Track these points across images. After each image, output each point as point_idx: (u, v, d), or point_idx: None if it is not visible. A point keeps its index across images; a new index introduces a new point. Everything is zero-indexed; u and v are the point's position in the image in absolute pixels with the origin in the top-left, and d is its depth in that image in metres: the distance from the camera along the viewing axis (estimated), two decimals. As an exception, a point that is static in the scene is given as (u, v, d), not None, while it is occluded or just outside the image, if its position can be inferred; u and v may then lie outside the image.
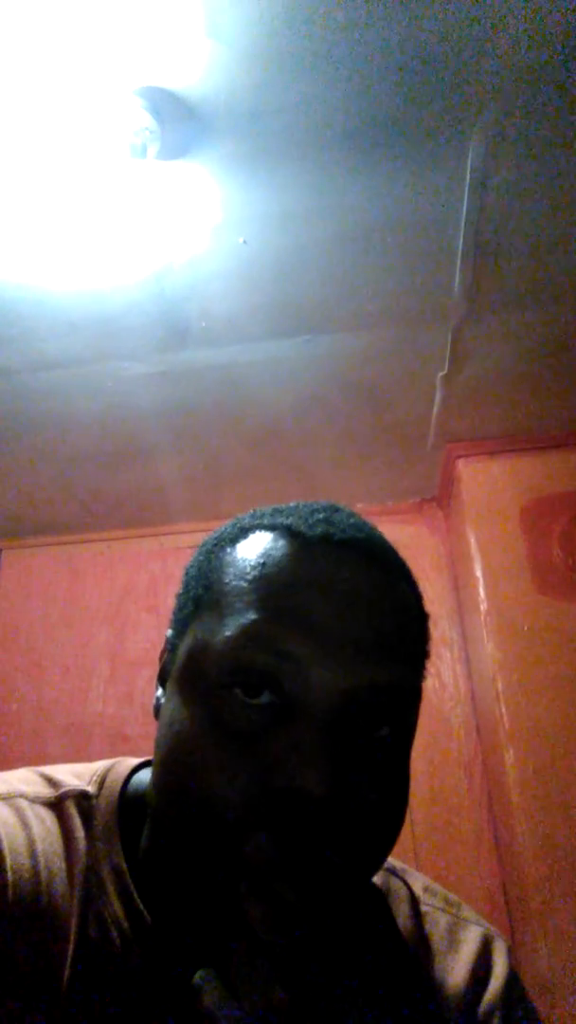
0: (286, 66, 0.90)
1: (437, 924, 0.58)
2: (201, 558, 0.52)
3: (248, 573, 0.47)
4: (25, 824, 0.49)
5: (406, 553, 0.54)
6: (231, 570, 0.48)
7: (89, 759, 0.59)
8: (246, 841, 0.40)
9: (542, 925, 1.32)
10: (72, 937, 0.46)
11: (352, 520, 0.51)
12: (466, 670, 1.79)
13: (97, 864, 0.50)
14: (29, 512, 1.98)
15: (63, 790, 0.53)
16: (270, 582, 0.46)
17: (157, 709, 0.51)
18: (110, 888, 0.49)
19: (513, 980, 0.56)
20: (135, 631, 1.96)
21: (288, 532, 0.48)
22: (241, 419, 1.62)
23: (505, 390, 1.56)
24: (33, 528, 2.06)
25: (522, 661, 1.52)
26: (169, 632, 0.53)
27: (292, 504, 0.53)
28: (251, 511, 0.54)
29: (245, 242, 1.16)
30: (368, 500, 1.97)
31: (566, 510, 1.64)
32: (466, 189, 1.08)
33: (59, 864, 0.48)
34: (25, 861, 0.47)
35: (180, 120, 0.96)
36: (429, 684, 1.77)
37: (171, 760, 0.45)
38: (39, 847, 0.48)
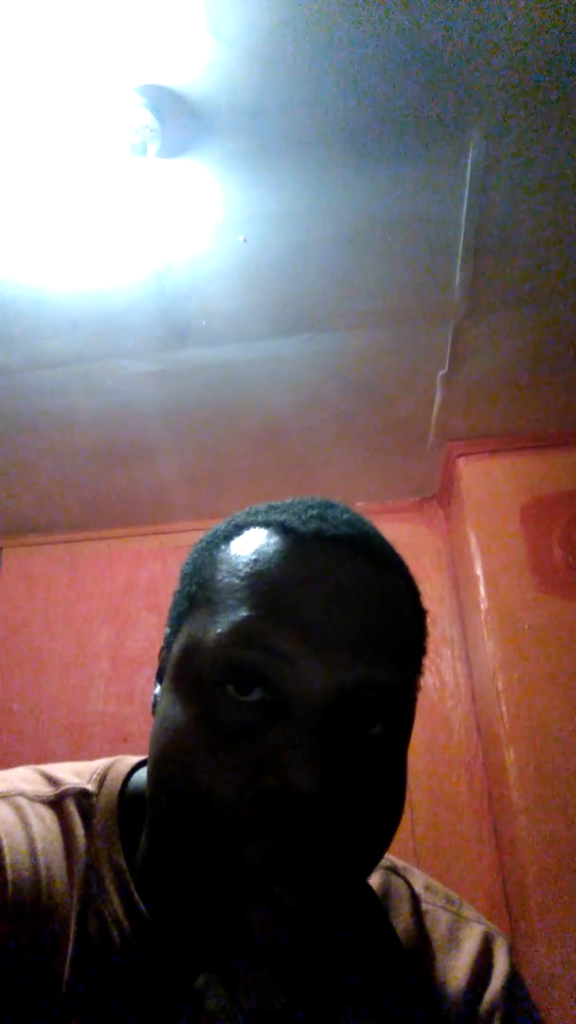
0: (287, 64, 0.90)
1: (438, 922, 0.58)
2: (196, 555, 0.52)
3: (241, 570, 0.47)
4: (25, 822, 0.49)
5: (406, 552, 0.53)
6: (224, 567, 0.48)
7: (89, 758, 0.59)
8: (244, 843, 0.40)
9: (542, 924, 1.32)
10: (72, 935, 0.46)
11: (346, 516, 0.51)
12: (466, 669, 1.79)
13: (97, 862, 0.49)
14: (30, 511, 1.98)
15: (63, 788, 0.53)
16: (262, 579, 0.45)
17: (155, 707, 0.51)
18: (110, 886, 0.49)
19: (514, 979, 0.56)
20: (136, 630, 1.96)
21: (281, 528, 0.48)
22: (241, 418, 1.62)
23: (505, 389, 1.56)
24: (34, 527, 2.06)
25: (522, 660, 1.52)
26: (167, 630, 0.53)
27: (288, 501, 0.53)
28: (247, 508, 0.53)
29: (245, 241, 1.16)
30: (368, 498, 1.97)
31: (566, 509, 1.64)
32: (466, 188, 1.08)
33: (59, 862, 0.48)
34: (25, 859, 0.47)
35: (180, 118, 0.96)
36: (429, 683, 1.77)
37: (164, 757, 0.45)
38: (39, 845, 0.48)
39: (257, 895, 0.39)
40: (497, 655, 1.54)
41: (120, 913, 0.48)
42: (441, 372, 1.48)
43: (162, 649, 0.53)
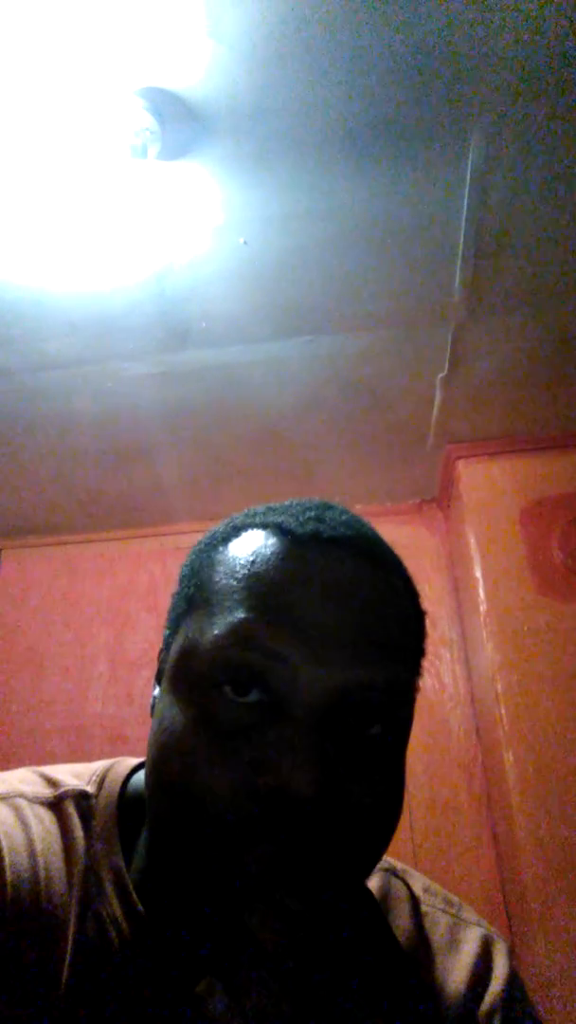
0: (287, 67, 0.90)
1: (437, 925, 0.58)
2: (194, 557, 0.53)
3: (238, 571, 0.47)
4: (24, 824, 0.49)
5: (405, 554, 0.53)
6: (222, 568, 0.48)
7: (88, 759, 0.59)
8: (243, 844, 0.40)
9: (541, 926, 1.32)
10: (70, 937, 0.46)
11: (344, 517, 0.50)
12: (466, 671, 1.79)
13: (96, 864, 0.49)
14: (29, 512, 1.98)
15: (62, 790, 0.53)
16: (259, 580, 0.45)
17: (153, 708, 0.51)
18: (109, 888, 0.48)
19: (514, 981, 0.55)
20: (135, 631, 1.96)
21: (279, 530, 0.48)
22: (241, 420, 1.62)
23: (505, 391, 1.56)
24: (33, 528, 2.06)
25: (522, 662, 1.52)
26: (166, 631, 0.53)
27: (286, 502, 0.53)
28: (245, 510, 0.53)
29: (246, 243, 1.16)
30: (368, 500, 1.97)
31: (566, 511, 1.64)
32: (466, 189, 1.08)
33: (58, 864, 0.48)
34: (24, 861, 0.47)
35: (181, 121, 0.96)
36: (428, 685, 1.77)
37: (162, 758, 0.45)
38: (38, 847, 0.48)
39: (258, 898, 0.39)
40: (496, 657, 1.53)
41: (119, 915, 0.47)
42: (441, 374, 1.48)
43: (161, 651, 0.53)
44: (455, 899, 0.61)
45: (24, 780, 0.53)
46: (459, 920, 0.58)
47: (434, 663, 1.80)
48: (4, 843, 0.46)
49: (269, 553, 0.47)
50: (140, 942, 0.47)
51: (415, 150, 1.02)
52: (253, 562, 0.47)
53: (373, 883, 0.59)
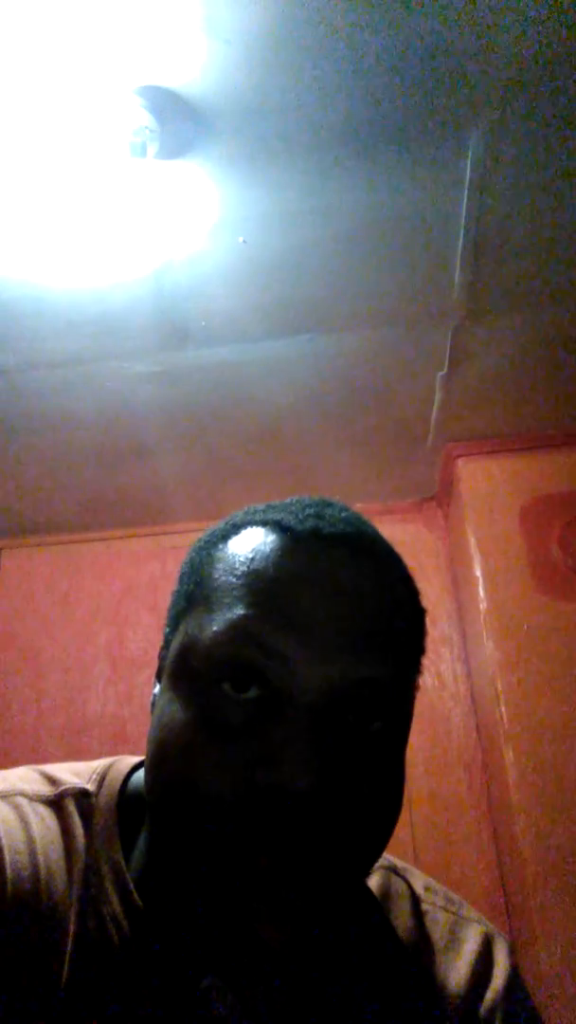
0: (285, 65, 0.90)
1: (438, 923, 0.58)
2: (194, 554, 0.53)
3: (238, 568, 0.47)
4: (24, 822, 0.49)
5: (405, 552, 0.53)
6: (221, 566, 0.48)
7: (88, 758, 0.59)
8: (245, 844, 0.40)
9: (541, 924, 1.32)
10: (71, 935, 0.46)
11: (344, 515, 0.51)
12: (466, 669, 1.79)
13: (96, 862, 0.49)
14: (29, 511, 1.98)
15: (63, 788, 0.53)
16: (258, 577, 0.45)
17: (153, 705, 0.51)
18: (109, 886, 0.48)
19: (514, 979, 0.55)
20: (135, 631, 1.96)
21: (279, 527, 0.48)
22: (240, 418, 1.62)
23: (505, 390, 1.56)
24: (33, 527, 2.06)
25: (522, 660, 1.52)
26: (166, 629, 0.53)
27: (286, 500, 0.53)
28: (245, 508, 0.54)
29: (245, 241, 1.16)
30: (368, 499, 1.97)
31: (566, 510, 1.64)
32: (466, 189, 1.08)
33: (58, 862, 0.48)
34: (24, 859, 0.47)
35: (180, 119, 0.96)
36: (428, 683, 1.77)
37: (161, 755, 0.45)
38: (38, 845, 0.48)
39: (260, 895, 0.39)
40: (496, 655, 1.54)
41: (119, 912, 0.48)
42: (440, 373, 1.48)
43: (161, 648, 0.53)
44: (456, 897, 0.61)
45: (24, 778, 0.53)
46: (460, 918, 0.58)
47: (434, 661, 1.81)
48: (4, 841, 0.47)
49: (269, 550, 0.47)
50: (140, 940, 0.47)
51: (414, 149, 1.02)
52: (253, 559, 0.47)
53: (373, 881, 0.59)
